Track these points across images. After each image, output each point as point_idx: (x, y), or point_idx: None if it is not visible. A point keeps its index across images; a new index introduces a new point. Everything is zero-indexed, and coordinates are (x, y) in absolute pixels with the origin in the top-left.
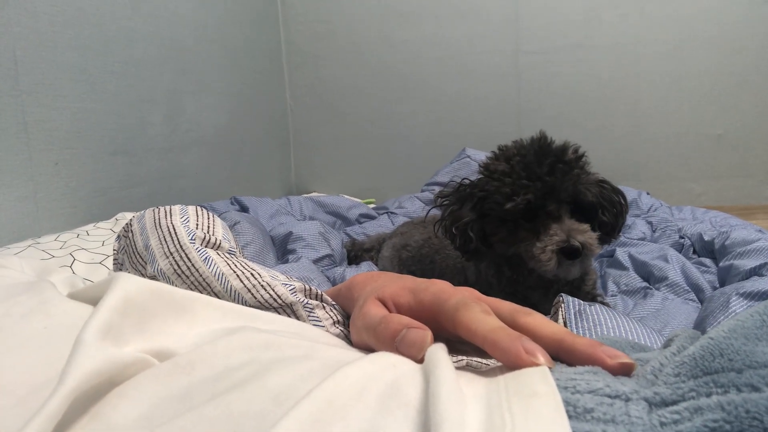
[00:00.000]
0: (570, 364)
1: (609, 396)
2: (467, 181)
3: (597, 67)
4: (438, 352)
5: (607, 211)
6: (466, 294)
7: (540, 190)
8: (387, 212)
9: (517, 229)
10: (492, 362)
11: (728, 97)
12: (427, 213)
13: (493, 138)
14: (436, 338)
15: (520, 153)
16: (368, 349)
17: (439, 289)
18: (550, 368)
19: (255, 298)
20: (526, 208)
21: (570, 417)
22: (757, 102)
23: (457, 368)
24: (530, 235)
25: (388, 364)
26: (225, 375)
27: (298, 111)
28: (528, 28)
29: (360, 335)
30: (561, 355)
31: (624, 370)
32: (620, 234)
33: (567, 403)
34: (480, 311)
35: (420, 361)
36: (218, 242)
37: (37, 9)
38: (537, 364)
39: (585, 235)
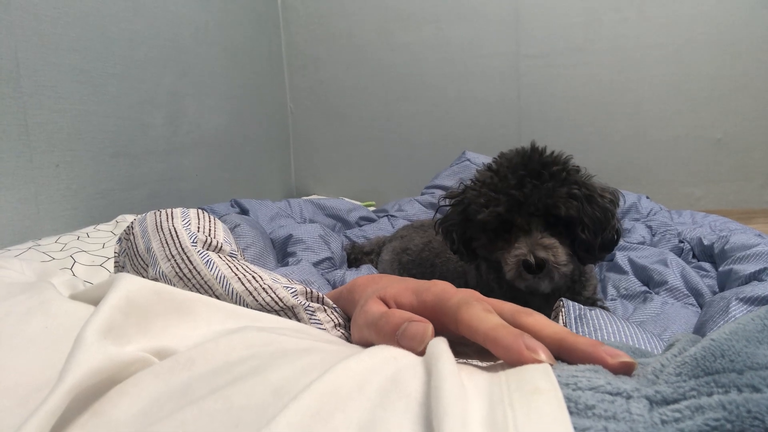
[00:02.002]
0: (571, 363)
1: (610, 393)
2: (470, 184)
3: (597, 71)
4: (439, 345)
5: (586, 229)
6: (468, 294)
7: (507, 204)
8: (387, 215)
9: (496, 238)
10: (492, 364)
11: (728, 101)
12: (435, 215)
13: (493, 141)
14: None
15: (509, 163)
16: (369, 347)
17: (441, 289)
18: (551, 365)
19: (256, 300)
20: (498, 220)
21: (571, 413)
22: (756, 105)
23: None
24: (506, 244)
25: (388, 356)
26: (225, 370)
27: (298, 113)
28: (528, 31)
29: (361, 332)
30: (562, 354)
31: (625, 369)
32: (604, 254)
33: (568, 399)
34: (482, 309)
35: (421, 353)
36: (220, 245)
37: (39, 11)
38: (539, 361)
39: (549, 251)
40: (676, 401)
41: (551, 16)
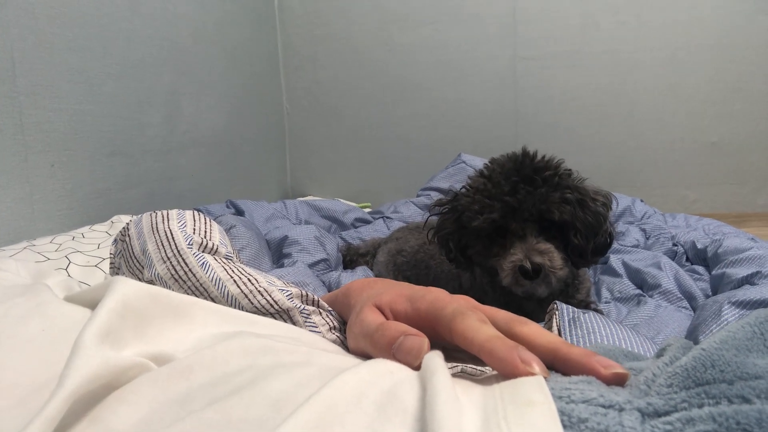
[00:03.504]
0: (565, 373)
1: (603, 406)
2: (463, 191)
3: (593, 74)
4: (435, 359)
5: (579, 233)
6: (463, 302)
7: (501, 210)
8: (382, 217)
9: (492, 244)
10: (487, 369)
11: (723, 105)
12: (426, 220)
13: (489, 143)
14: (433, 346)
15: (501, 169)
16: (365, 356)
17: (435, 297)
18: (545, 377)
19: (252, 303)
20: (493, 226)
21: (564, 426)
22: (751, 109)
23: (453, 375)
24: (502, 250)
25: (385, 371)
26: (224, 380)
27: (294, 113)
28: (525, 33)
29: (357, 342)
30: (556, 365)
31: (617, 380)
32: (597, 259)
33: (561, 412)
34: (476, 320)
35: (417, 368)
36: (215, 247)
37: (36, 10)
38: (533, 374)
39: (545, 256)
40: (667, 413)
41: (548, 19)
